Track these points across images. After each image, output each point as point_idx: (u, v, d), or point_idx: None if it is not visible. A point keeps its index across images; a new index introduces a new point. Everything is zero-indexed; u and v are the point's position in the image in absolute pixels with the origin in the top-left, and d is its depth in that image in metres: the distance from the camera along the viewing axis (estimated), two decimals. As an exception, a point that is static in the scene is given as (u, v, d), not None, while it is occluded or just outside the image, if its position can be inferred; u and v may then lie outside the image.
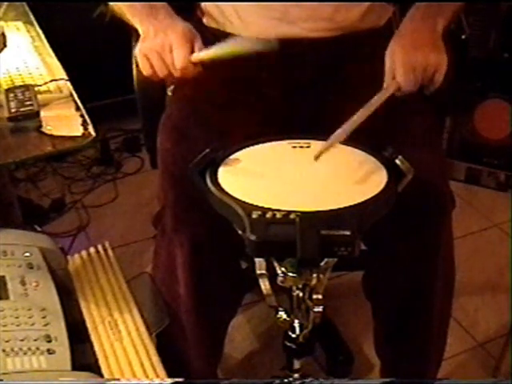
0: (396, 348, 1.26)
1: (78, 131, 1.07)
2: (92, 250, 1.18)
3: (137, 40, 1.21)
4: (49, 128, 1.07)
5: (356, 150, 1.03)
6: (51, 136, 1.05)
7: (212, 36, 1.20)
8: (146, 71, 1.03)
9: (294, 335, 1.05)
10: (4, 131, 1.06)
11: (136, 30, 1.10)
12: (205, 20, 1.24)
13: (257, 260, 0.95)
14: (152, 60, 1.01)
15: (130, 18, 1.09)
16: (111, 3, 1.15)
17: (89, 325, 0.99)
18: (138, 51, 1.03)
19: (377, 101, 1.01)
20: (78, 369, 0.86)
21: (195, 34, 1.03)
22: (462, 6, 1.15)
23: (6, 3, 1.49)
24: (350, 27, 1.16)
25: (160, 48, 1.00)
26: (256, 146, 1.03)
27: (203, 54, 1.02)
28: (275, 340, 1.17)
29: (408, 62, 1.02)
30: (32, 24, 1.47)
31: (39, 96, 1.14)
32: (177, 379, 0.91)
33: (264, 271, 0.96)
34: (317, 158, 0.96)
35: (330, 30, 1.15)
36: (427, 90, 1.05)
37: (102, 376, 0.90)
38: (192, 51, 1.01)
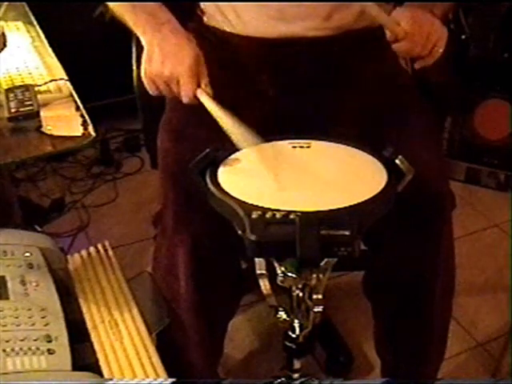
0: (396, 348, 1.26)
1: (78, 131, 1.07)
2: (92, 249, 1.17)
3: (137, 40, 1.21)
4: (49, 128, 1.07)
5: (356, 150, 1.03)
6: (51, 136, 1.05)
7: (213, 35, 1.21)
8: (152, 92, 1.04)
9: (294, 335, 1.05)
10: (4, 131, 1.06)
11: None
12: (205, 19, 1.24)
13: (257, 260, 0.95)
14: (159, 86, 1.02)
15: (132, 27, 1.07)
16: (111, 5, 1.15)
17: (89, 325, 0.99)
18: (143, 73, 1.02)
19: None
20: (78, 369, 0.86)
21: (200, 60, 1.02)
22: (455, 4, 1.14)
23: (5, 3, 1.49)
24: (347, 26, 1.16)
25: (167, 78, 1.00)
26: (256, 146, 1.03)
27: (207, 102, 1.01)
28: (275, 340, 1.17)
29: (416, 17, 1.00)
30: (32, 24, 1.47)
31: (39, 96, 1.14)
32: (177, 379, 0.91)
33: (264, 271, 0.96)
34: None
35: (327, 28, 1.15)
36: (420, 63, 1.02)
37: (102, 376, 0.90)
38: (198, 84, 1.01)
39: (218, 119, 0.99)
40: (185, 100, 1.01)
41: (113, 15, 1.14)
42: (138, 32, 1.06)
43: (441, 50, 1.01)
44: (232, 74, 1.16)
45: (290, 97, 1.18)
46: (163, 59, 1.00)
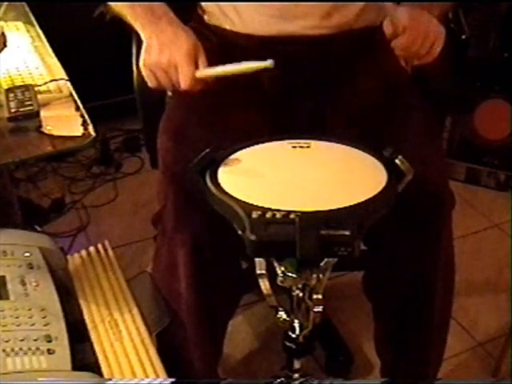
0: (396, 348, 1.26)
1: (78, 131, 1.07)
2: (92, 249, 1.17)
3: (137, 40, 1.21)
4: (49, 128, 1.07)
5: (356, 149, 1.03)
6: (51, 136, 1.05)
7: (213, 34, 1.21)
8: (151, 84, 1.05)
9: (294, 335, 1.05)
10: (4, 131, 1.06)
11: (136, 32, 1.10)
12: (206, 17, 1.24)
13: (257, 260, 0.95)
14: (157, 75, 1.03)
15: (131, 22, 1.09)
16: (111, 5, 1.15)
17: (89, 325, 0.99)
18: (142, 64, 1.04)
19: None
20: (78, 369, 0.86)
21: (199, 48, 1.03)
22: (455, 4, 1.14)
23: (5, 3, 1.49)
24: (347, 25, 1.16)
25: (165, 65, 1.01)
26: (256, 146, 1.03)
27: (208, 72, 1.02)
28: (275, 340, 1.17)
29: (414, 14, 1.00)
30: (32, 24, 1.47)
31: (39, 96, 1.14)
32: (177, 379, 0.91)
33: (264, 271, 0.96)
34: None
35: (327, 27, 1.15)
36: (418, 60, 1.03)
37: (102, 376, 0.90)
38: (196, 67, 1.02)
39: (229, 72, 1.01)
40: (184, 85, 1.01)
41: (113, 13, 1.15)
42: (137, 27, 1.08)
43: (439, 49, 1.01)
44: (232, 74, 1.16)
45: (290, 96, 1.18)
46: (161, 48, 1.02)
